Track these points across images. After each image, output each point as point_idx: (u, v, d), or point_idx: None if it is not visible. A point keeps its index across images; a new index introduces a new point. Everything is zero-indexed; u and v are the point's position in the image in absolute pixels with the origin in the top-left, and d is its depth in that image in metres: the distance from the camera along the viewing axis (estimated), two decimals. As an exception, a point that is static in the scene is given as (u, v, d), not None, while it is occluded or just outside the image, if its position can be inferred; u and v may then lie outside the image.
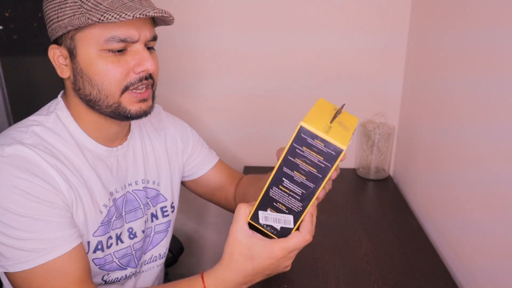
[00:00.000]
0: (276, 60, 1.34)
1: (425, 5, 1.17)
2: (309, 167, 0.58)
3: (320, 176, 0.58)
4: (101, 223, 0.76)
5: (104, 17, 0.64)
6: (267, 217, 0.63)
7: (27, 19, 1.18)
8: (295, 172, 0.59)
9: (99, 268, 0.78)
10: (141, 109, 0.73)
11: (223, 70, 1.36)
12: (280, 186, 0.61)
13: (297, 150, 0.58)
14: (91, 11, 0.65)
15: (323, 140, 0.57)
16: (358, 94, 1.37)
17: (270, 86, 1.38)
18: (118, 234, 0.81)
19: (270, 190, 0.61)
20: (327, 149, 0.57)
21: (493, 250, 0.81)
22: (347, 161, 1.45)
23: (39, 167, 0.68)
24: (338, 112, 0.63)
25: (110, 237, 0.79)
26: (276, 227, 0.64)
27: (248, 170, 1.43)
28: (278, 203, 0.62)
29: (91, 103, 0.72)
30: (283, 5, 1.27)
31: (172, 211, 0.93)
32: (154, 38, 0.73)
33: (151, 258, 0.89)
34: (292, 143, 0.58)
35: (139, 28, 0.69)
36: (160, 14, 0.67)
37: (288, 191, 0.61)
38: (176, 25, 1.35)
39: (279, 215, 0.63)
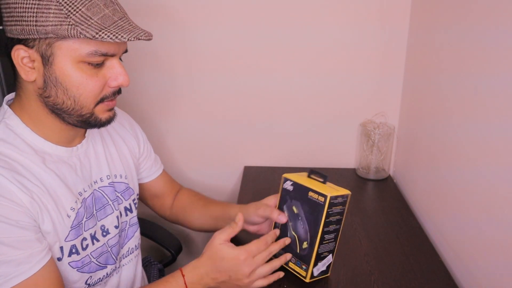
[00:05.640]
0: (275, 60, 1.34)
1: (425, 5, 1.17)
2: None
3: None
4: (71, 227, 0.75)
5: (99, 35, 0.65)
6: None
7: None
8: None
9: (77, 271, 0.77)
10: (109, 117, 0.77)
11: (221, 69, 1.36)
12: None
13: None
14: (81, 24, 0.65)
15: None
16: (358, 94, 1.37)
17: (270, 86, 1.38)
18: (93, 234, 0.81)
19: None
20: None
21: (493, 250, 0.81)
22: (347, 161, 1.45)
23: None
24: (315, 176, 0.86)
25: (85, 238, 0.78)
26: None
27: (248, 170, 1.43)
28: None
29: (60, 111, 0.72)
30: (283, 5, 1.27)
31: (137, 203, 0.97)
32: (126, 51, 0.76)
33: (128, 251, 0.92)
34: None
35: (119, 44, 0.72)
36: (148, 38, 0.70)
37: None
38: (171, 22, 1.35)
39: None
